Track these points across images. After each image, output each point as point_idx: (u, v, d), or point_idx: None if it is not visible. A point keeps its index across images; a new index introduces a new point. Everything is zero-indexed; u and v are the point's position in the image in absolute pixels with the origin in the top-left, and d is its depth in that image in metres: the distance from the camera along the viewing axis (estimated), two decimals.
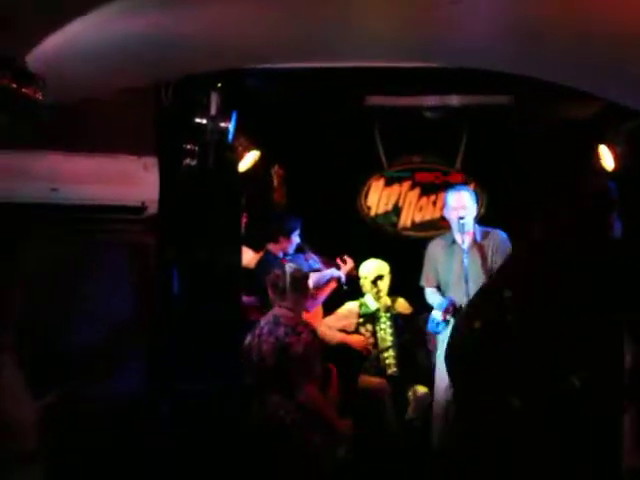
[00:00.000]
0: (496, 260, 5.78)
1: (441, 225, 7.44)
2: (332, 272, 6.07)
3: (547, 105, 6.29)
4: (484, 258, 5.81)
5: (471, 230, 5.82)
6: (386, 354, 6.54)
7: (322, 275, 6.00)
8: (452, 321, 5.62)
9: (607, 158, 6.13)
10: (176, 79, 5.31)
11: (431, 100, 6.63)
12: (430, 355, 6.24)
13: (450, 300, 5.70)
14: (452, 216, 5.82)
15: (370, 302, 6.68)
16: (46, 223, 4.95)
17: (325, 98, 6.29)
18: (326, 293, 6.14)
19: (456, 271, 5.80)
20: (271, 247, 6.15)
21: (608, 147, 6.14)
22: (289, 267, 4.86)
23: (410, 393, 6.30)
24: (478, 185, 7.53)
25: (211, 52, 4.83)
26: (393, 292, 6.73)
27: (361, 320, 6.62)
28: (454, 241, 5.88)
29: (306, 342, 4.70)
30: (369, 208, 7.78)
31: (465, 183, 7.31)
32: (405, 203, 7.77)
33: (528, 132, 6.97)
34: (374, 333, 6.58)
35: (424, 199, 7.77)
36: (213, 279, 5.37)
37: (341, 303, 6.69)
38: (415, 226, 7.79)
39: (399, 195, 7.78)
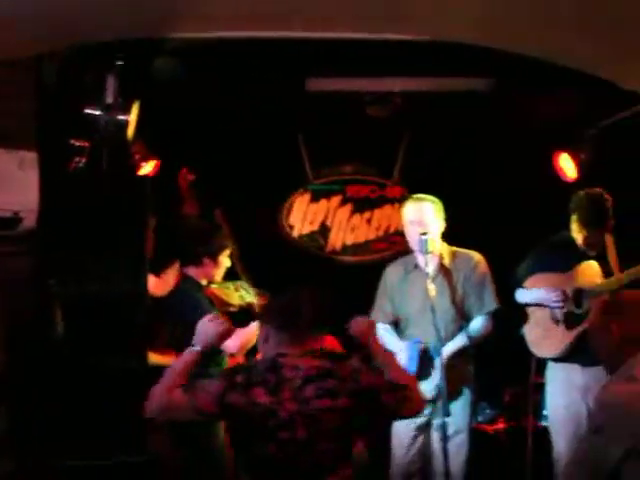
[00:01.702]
0: (467, 288, 4.72)
1: (377, 248, 6.68)
2: None
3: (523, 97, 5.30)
4: (452, 286, 4.68)
5: (437, 251, 4.67)
6: None
7: None
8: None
9: (568, 166, 5.74)
10: (63, 51, 4.26)
11: (381, 84, 5.36)
12: None
13: (417, 344, 4.58)
14: (411, 233, 4.67)
15: None
16: None
17: (255, 81, 5.02)
18: None
19: (419, 302, 4.64)
20: (192, 272, 4.72)
21: (570, 155, 5.73)
22: None
23: None
24: None
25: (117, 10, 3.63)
26: None
27: None
28: (416, 265, 4.73)
29: None
30: (292, 227, 6.59)
31: (404, 198, 6.20)
32: (334, 222, 6.68)
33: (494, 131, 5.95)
34: None
35: (357, 217, 6.68)
36: (109, 318, 4.43)
37: None
38: (346, 249, 6.70)
39: (327, 212, 6.68)
